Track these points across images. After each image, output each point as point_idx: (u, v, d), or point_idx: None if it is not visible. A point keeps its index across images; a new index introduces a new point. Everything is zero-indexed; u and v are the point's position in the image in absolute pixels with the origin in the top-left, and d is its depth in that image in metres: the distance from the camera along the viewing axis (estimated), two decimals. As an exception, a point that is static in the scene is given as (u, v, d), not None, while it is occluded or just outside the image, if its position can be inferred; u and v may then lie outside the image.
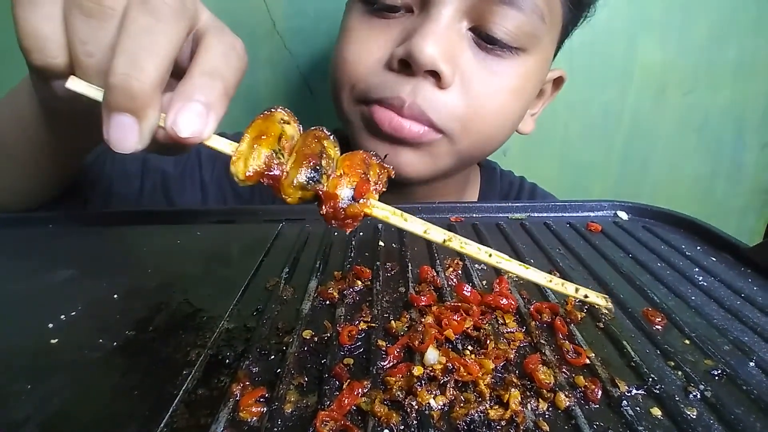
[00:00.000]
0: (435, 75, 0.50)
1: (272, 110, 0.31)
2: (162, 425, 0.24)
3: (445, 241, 0.31)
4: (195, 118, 0.28)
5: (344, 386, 0.26)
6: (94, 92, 0.29)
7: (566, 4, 0.56)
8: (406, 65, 0.51)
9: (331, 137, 0.31)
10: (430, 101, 0.51)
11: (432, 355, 0.28)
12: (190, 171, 0.68)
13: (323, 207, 0.29)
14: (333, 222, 0.29)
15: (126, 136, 0.28)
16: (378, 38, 0.53)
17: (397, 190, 0.60)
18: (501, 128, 0.58)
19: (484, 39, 0.52)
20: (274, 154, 0.29)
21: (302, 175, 0.29)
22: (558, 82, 0.67)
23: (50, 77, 0.32)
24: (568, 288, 0.32)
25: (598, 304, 0.33)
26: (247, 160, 0.29)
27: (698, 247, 0.46)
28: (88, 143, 0.50)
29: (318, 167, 0.29)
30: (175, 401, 0.25)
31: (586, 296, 0.33)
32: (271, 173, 0.29)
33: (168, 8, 0.29)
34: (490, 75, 0.53)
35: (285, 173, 0.29)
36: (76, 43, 0.29)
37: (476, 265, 0.40)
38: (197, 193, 0.67)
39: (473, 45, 0.52)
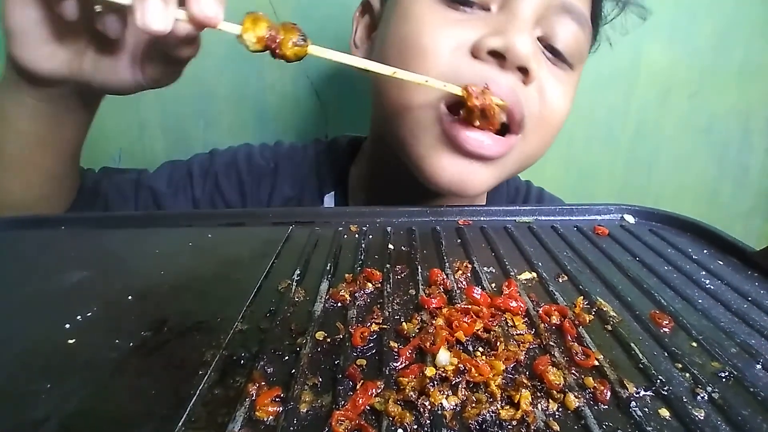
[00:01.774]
0: (521, 72, 0.52)
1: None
2: (180, 424, 0.24)
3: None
4: (214, 5, 0.38)
5: (358, 386, 0.27)
6: None
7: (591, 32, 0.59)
8: (497, 57, 0.51)
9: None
10: (520, 91, 0.52)
11: (444, 356, 0.28)
12: (182, 188, 0.69)
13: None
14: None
15: (158, 15, 0.36)
16: (456, 28, 0.52)
17: (404, 201, 0.60)
18: (556, 133, 0.59)
19: (548, 49, 0.55)
20: (270, 27, 0.41)
21: (297, 38, 0.41)
22: None
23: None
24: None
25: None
26: (253, 31, 0.40)
27: (705, 251, 0.46)
28: (74, 131, 0.53)
29: (303, 33, 0.42)
30: (193, 400, 0.26)
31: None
32: (274, 36, 0.41)
33: None
34: (558, 82, 0.56)
35: (281, 38, 0.41)
36: None
37: (485, 268, 0.41)
38: (189, 208, 0.69)
39: (541, 52, 0.55)
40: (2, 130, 0.49)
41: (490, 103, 0.47)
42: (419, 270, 0.40)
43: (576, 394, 0.27)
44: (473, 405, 0.26)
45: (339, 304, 0.35)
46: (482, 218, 0.52)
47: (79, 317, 0.33)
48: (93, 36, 0.45)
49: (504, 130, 0.53)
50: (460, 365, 0.28)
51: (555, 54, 0.55)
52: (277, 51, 0.41)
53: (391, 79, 0.48)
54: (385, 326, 0.32)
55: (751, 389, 0.28)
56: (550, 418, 0.25)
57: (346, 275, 0.38)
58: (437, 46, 0.52)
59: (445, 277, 0.38)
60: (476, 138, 0.51)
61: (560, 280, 0.40)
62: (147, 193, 0.67)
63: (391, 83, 0.53)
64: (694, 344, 0.32)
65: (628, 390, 0.27)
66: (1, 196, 0.54)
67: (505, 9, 0.52)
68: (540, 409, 0.26)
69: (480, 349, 0.30)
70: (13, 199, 0.54)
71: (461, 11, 0.53)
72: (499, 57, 0.51)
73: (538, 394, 0.27)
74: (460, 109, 0.50)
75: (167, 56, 0.46)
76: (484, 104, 0.47)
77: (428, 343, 0.30)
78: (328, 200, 0.69)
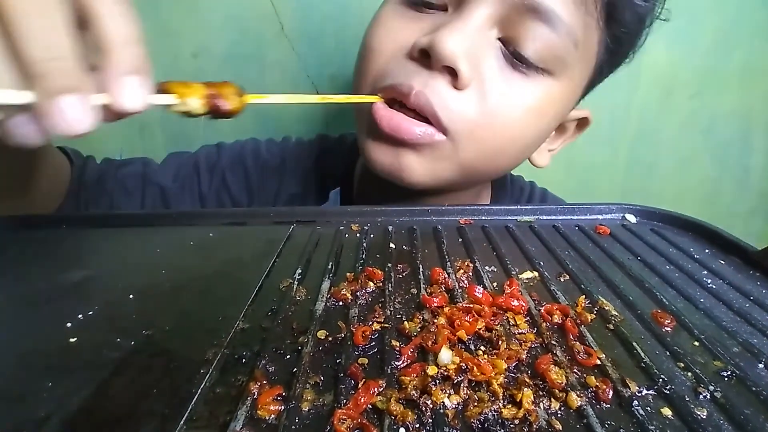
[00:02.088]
0: (452, 73, 0.49)
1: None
2: (182, 423, 0.24)
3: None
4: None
5: (360, 385, 0.27)
6: (13, 97, 0.27)
7: (604, 42, 0.54)
8: (425, 56, 0.50)
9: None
10: (440, 96, 0.50)
11: (445, 355, 0.28)
12: (189, 184, 0.69)
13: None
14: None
15: (80, 114, 0.28)
16: (405, 28, 0.52)
17: (408, 198, 0.61)
18: (509, 145, 0.55)
19: (512, 53, 0.51)
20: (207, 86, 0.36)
21: (235, 90, 0.37)
22: (582, 123, 0.66)
23: None
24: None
25: None
26: (194, 95, 0.35)
27: (706, 250, 0.46)
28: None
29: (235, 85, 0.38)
30: (194, 399, 0.26)
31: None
32: (215, 94, 0.36)
33: None
34: (510, 88, 0.51)
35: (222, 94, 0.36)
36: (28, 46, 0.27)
37: (486, 267, 0.41)
38: (196, 204, 0.69)
39: (500, 56, 0.51)
40: None
41: None
42: (421, 269, 0.40)
43: (578, 393, 0.26)
44: (475, 404, 0.26)
45: (340, 303, 0.35)
46: (484, 217, 0.52)
47: (80, 316, 0.33)
48: None
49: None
50: (462, 364, 0.28)
51: (519, 58, 0.51)
52: (222, 108, 0.36)
53: (354, 73, 0.56)
54: (386, 325, 0.32)
55: (754, 388, 0.28)
56: (553, 417, 0.25)
57: (348, 274, 0.38)
58: (380, 46, 0.54)
59: (446, 276, 0.38)
60: (389, 116, 0.51)
61: (562, 279, 0.40)
62: (154, 189, 0.67)
63: (354, 76, 0.58)
64: (696, 343, 0.32)
65: (630, 389, 0.27)
66: None
67: (457, 9, 0.51)
68: (542, 408, 0.26)
69: (482, 348, 0.30)
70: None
71: (421, 12, 0.53)
72: (427, 56, 0.49)
73: (540, 393, 0.27)
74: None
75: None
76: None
77: (430, 342, 0.30)
78: (334, 196, 0.69)
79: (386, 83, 0.52)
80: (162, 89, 0.34)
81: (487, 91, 0.51)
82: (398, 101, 0.51)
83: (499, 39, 0.51)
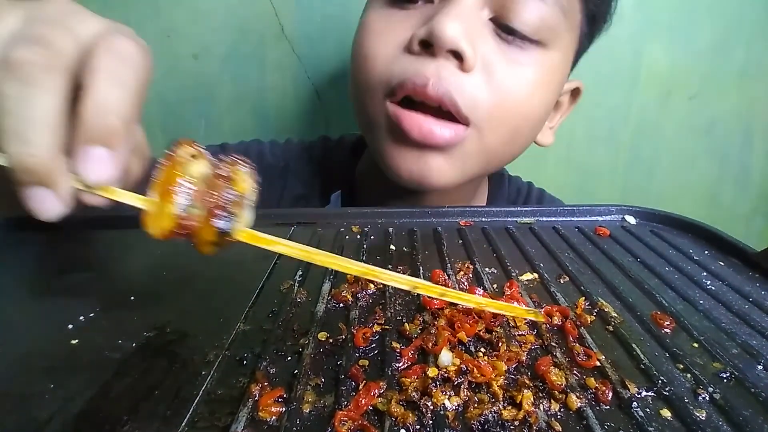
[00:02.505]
0: (457, 57, 0.49)
1: (175, 147, 0.29)
2: (183, 424, 0.24)
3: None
4: (102, 165, 0.27)
5: (360, 387, 0.27)
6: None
7: (583, 12, 0.56)
8: (427, 46, 0.50)
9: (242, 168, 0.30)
10: (455, 82, 0.50)
11: (446, 356, 0.28)
12: None
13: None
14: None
15: (48, 206, 0.27)
16: (396, 28, 0.53)
17: (409, 197, 0.61)
18: (526, 121, 0.56)
19: (504, 29, 0.51)
20: (183, 211, 0.27)
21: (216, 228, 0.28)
22: (575, 93, 0.67)
23: None
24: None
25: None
26: (158, 219, 0.27)
27: (706, 252, 0.46)
28: None
29: (228, 217, 0.28)
30: (196, 401, 0.26)
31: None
32: (184, 231, 0.28)
33: (34, 66, 0.26)
34: (512, 64, 0.52)
35: (197, 226, 0.28)
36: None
37: (487, 269, 0.41)
38: None
39: (494, 35, 0.52)
40: None
41: None
42: (421, 271, 0.40)
43: (578, 394, 0.27)
44: (475, 405, 0.26)
45: (341, 305, 0.35)
46: (484, 219, 0.52)
47: (81, 318, 0.33)
48: None
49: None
50: (462, 366, 0.28)
51: (512, 33, 0.52)
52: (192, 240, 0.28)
53: (352, 85, 0.56)
54: (387, 327, 0.32)
55: (753, 390, 0.28)
56: (552, 419, 0.25)
57: (348, 276, 0.38)
58: (375, 52, 0.54)
59: (446, 277, 0.38)
60: (420, 123, 0.51)
61: (562, 281, 0.40)
62: None
63: (353, 88, 0.57)
64: (696, 345, 0.32)
65: (629, 390, 0.27)
66: None
67: None
68: (542, 409, 0.26)
69: (482, 349, 0.31)
70: None
71: (406, 9, 0.53)
72: (429, 46, 0.50)
73: (540, 395, 0.27)
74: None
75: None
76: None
77: (430, 344, 0.30)
78: (335, 198, 0.69)
79: (396, 82, 0.51)
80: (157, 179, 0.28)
81: (492, 70, 0.51)
82: (412, 99, 0.51)
83: (491, 19, 0.52)
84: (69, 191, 0.27)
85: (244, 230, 0.29)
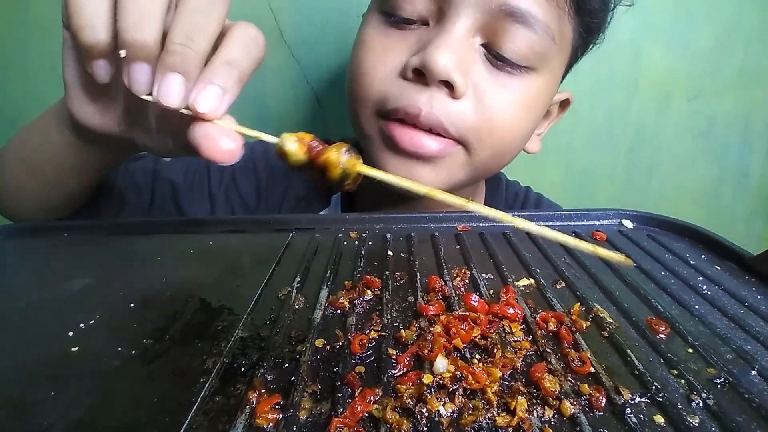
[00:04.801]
0: (448, 85, 0.52)
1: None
2: (182, 431, 0.25)
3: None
4: (212, 99, 0.33)
5: (356, 394, 0.27)
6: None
7: (577, 30, 0.57)
8: (420, 74, 0.52)
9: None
10: (445, 111, 0.53)
11: (441, 363, 0.28)
12: (198, 182, 0.70)
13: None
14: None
15: (173, 90, 0.33)
16: (394, 49, 0.55)
17: (406, 199, 0.61)
18: (512, 141, 0.59)
19: (495, 56, 0.53)
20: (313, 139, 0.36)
21: (345, 150, 0.35)
22: (564, 104, 0.69)
23: (94, 56, 0.36)
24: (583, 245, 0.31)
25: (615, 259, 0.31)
26: (295, 136, 0.36)
27: (702, 256, 0.46)
28: (112, 164, 0.54)
29: (354, 150, 0.35)
30: (194, 408, 0.26)
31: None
32: (316, 146, 0.35)
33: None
34: (501, 89, 0.54)
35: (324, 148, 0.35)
36: (124, 20, 0.33)
37: (483, 275, 0.41)
38: (206, 202, 0.69)
39: (485, 60, 0.54)
40: (42, 152, 0.51)
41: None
42: (418, 277, 0.40)
43: (572, 400, 0.27)
44: (470, 412, 0.26)
45: (338, 312, 0.36)
46: (481, 224, 0.52)
47: (82, 325, 0.33)
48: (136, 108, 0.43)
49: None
50: (458, 372, 0.28)
51: (503, 60, 0.54)
52: (319, 158, 0.35)
53: (348, 94, 0.58)
54: (383, 333, 0.33)
55: (746, 395, 0.28)
56: (546, 425, 0.26)
57: (346, 282, 0.39)
58: (372, 70, 0.56)
59: (443, 283, 0.39)
60: (411, 136, 0.54)
61: (558, 287, 0.40)
62: (164, 186, 0.67)
63: (349, 98, 0.60)
64: (690, 350, 0.32)
65: (623, 396, 0.27)
66: (26, 197, 0.55)
67: (438, 23, 0.53)
68: (536, 416, 0.26)
69: (477, 356, 0.31)
70: (37, 201, 0.55)
71: (404, 29, 0.55)
72: (421, 75, 0.52)
73: (534, 401, 0.27)
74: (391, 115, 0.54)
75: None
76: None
77: (426, 351, 0.30)
78: (335, 200, 0.70)
79: (390, 107, 0.54)
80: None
81: (482, 95, 0.54)
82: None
83: (482, 45, 0.54)
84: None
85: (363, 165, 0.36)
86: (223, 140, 0.34)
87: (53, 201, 0.56)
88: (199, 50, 0.34)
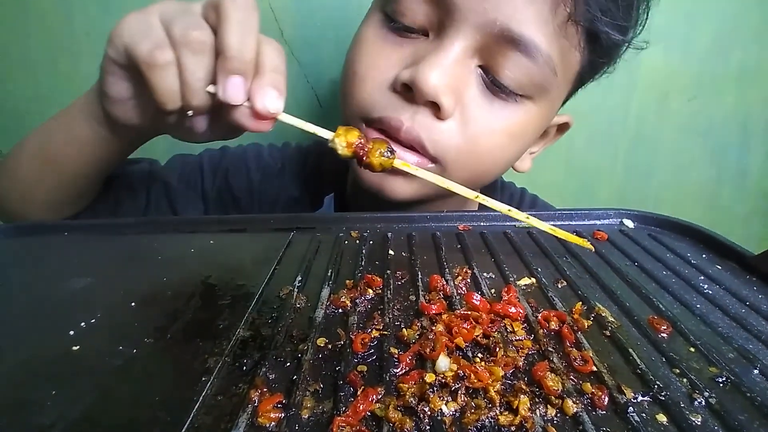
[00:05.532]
0: (435, 105, 0.51)
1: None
2: (183, 430, 0.25)
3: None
4: (276, 100, 0.41)
5: (359, 393, 0.27)
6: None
7: (586, 59, 0.55)
8: (408, 89, 0.51)
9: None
10: (427, 129, 0.52)
11: (443, 362, 0.28)
12: (192, 183, 0.71)
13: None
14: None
15: (238, 91, 0.39)
16: (389, 56, 0.54)
17: (394, 206, 0.61)
18: (493, 167, 0.59)
19: (491, 81, 0.52)
20: (361, 137, 0.43)
21: (384, 150, 0.44)
22: (563, 127, 0.67)
23: (173, 113, 0.43)
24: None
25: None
26: (345, 137, 0.43)
27: (704, 255, 0.46)
28: (131, 152, 0.57)
29: (391, 147, 0.44)
30: (196, 407, 0.26)
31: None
32: (363, 144, 0.43)
33: (249, 3, 0.40)
34: (491, 115, 0.53)
35: (369, 147, 0.43)
36: (188, 74, 0.40)
37: (485, 274, 0.41)
38: (199, 203, 0.71)
39: (481, 83, 0.52)
40: (67, 146, 0.53)
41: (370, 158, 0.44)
42: (419, 276, 0.40)
43: (574, 399, 0.27)
44: (472, 411, 0.26)
45: (340, 311, 0.36)
46: (482, 223, 0.52)
47: (83, 324, 0.33)
48: None
49: None
50: (460, 371, 0.28)
51: (498, 86, 0.52)
52: (364, 159, 0.43)
53: (340, 89, 0.59)
54: (385, 332, 0.33)
55: (748, 394, 0.28)
56: (549, 424, 0.26)
57: (347, 281, 0.39)
58: (365, 74, 0.55)
59: (444, 282, 0.39)
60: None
61: (559, 286, 0.40)
62: (159, 187, 0.68)
63: (341, 92, 0.60)
64: (692, 349, 0.32)
65: (625, 395, 0.27)
66: (39, 192, 0.57)
67: (438, 38, 0.52)
68: (538, 414, 0.26)
69: (479, 355, 0.31)
70: (48, 197, 0.57)
71: (403, 36, 0.54)
72: (410, 90, 0.51)
73: (537, 400, 0.27)
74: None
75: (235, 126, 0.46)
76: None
77: (428, 349, 0.30)
78: (328, 201, 0.70)
79: (375, 116, 0.54)
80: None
81: (468, 118, 0.53)
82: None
83: (480, 66, 0.52)
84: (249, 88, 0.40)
85: (397, 162, 0.45)
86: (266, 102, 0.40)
87: (65, 197, 0.57)
88: (251, 50, 0.39)
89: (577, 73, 0.56)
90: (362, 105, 0.55)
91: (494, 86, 0.52)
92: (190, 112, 0.42)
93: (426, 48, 0.52)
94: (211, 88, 0.40)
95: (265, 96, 0.40)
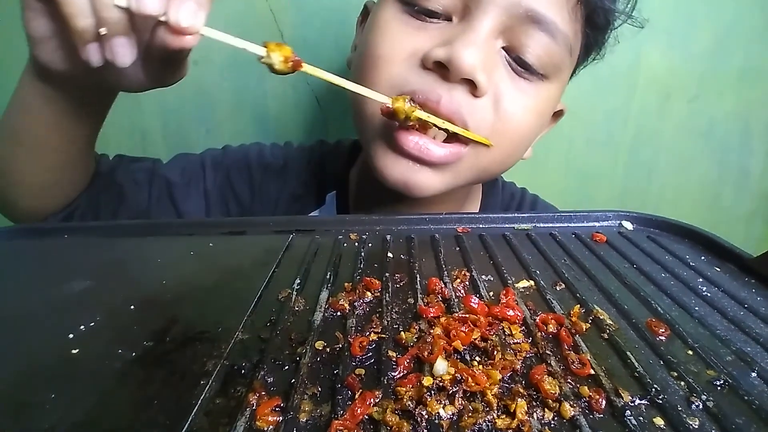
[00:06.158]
0: (470, 83, 0.52)
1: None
2: (182, 434, 0.25)
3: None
4: (191, 14, 0.39)
5: (356, 396, 0.27)
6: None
7: (583, 44, 0.59)
8: (442, 68, 0.51)
9: None
10: (465, 103, 0.53)
11: (441, 365, 0.28)
12: (194, 180, 0.71)
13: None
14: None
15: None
16: (413, 35, 0.54)
17: (402, 201, 0.61)
18: (521, 145, 0.60)
19: (515, 60, 0.54)
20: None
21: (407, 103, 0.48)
22: (557, 114, 0.69)
23: (87, 40, 0.41)
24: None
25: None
26: (279, 52, 0.42)
27: (702, 257, 0.46)
28: (88, 124, 0.57)
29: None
30: (194, 410, 0.26)
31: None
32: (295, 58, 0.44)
33: None
34: (518, 93, 0.55)
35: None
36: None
37: (483, 276, 0.41)
38: (200, 199, 0.71)
39: (505, 63, 0.54)
40: (22, 114, 0.53)
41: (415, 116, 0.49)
42: (418, 278, 0.40)
43: (571, 403, 0.27)
44: (470, 414, 0.26)
45: (338, 314, 0.36)
46: (481, 225, 0.52)
47: (82, 327, 0.33)
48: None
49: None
50: (457, 375, 0.28)
51: (522, 65, 0.54)
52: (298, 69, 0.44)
53: (360, 79, 0.56)
54: (383, 335, 0.33)
55: (746, 397, 0.28)
56: (546, 427, 0.26)
57: (346, 284, 0.39)
58: (391, 55, 0.55)
59: (443, 285, 0.39)
60: (416, 141, 0.53)
61: (558, 288, 0.40)
62: (161, 182, 0.69)
63: (361, 82, 0.58)
64: (690, 352, 0.32)
65: (623, 399, 0.27)
66: (20, 174, 0.57)
67: (464, 20, 0.53)
68: (536, 418, 0.26)
69: (477, 358, 0.31)
70: (31, 180, 0.57)
71: (424, 21, 0.54)
72: (444, 68, 0.51)
73: (534, 404, 0.27)
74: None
75: (163, 56, 0.46)
76: (410, 115, 0.49)
77: (426, 353, 0.30)
78: (330, 200, 0.71)
79: (408, 89, 0.53)
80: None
81: (500, 97, 0.54)
82: (410, 120, 0.53)
83: (503, 48, 0.54)
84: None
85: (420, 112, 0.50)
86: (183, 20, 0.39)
87: (46, 180, 0.58)
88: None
89: (579, 56, 0.60)
90: (392, 82, 0.54)
91: (519, 66, 0.54)
92: (102, 30, 0.40)
93: (454, 30, 0.53)
94: (121, 2, 0.39)
95: (179, 8, 0.38)
